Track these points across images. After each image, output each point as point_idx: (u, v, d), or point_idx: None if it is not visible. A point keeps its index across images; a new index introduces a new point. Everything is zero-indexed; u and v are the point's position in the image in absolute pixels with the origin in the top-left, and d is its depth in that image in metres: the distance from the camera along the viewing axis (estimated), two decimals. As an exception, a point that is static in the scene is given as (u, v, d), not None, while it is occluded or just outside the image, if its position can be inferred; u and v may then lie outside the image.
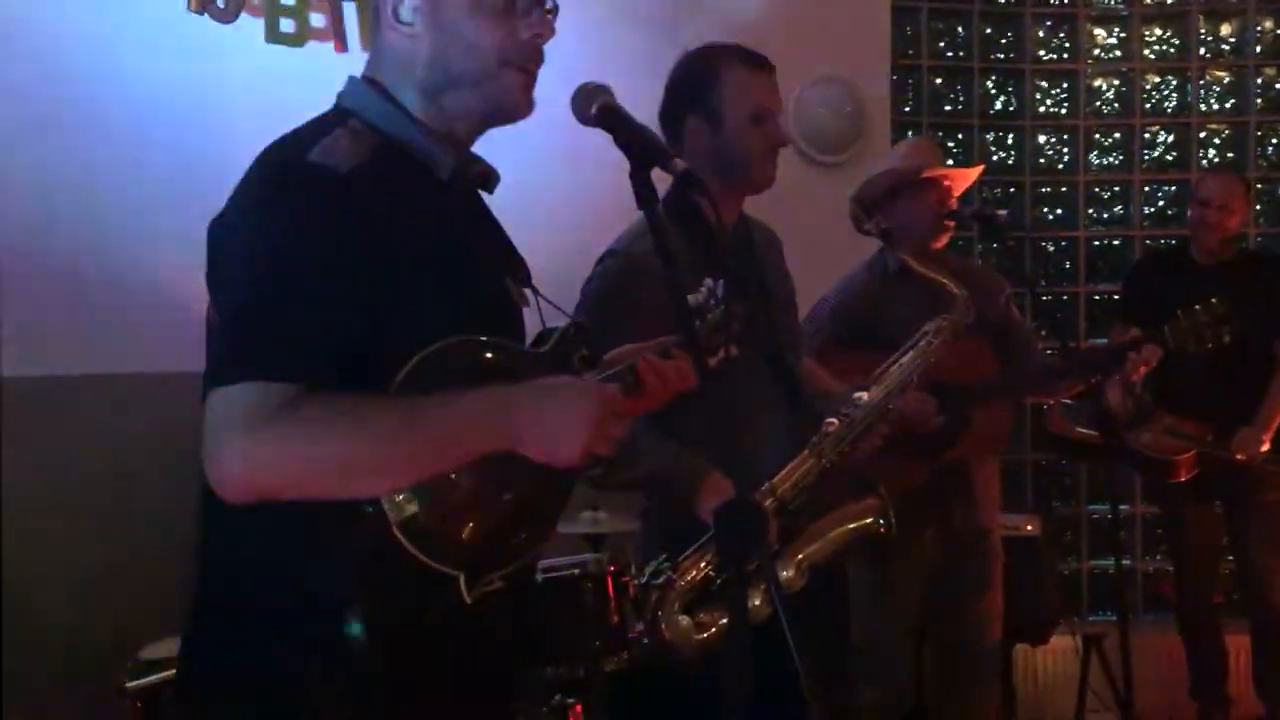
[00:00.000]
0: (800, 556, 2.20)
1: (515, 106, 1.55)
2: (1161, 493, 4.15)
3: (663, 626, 2.14)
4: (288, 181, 1.42)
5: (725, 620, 2.08)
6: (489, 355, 1.47)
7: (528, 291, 1.64)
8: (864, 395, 2.39)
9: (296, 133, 1.50)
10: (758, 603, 1.98)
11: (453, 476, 1.39)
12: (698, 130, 2.36)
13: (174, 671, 1.57)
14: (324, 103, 1.58)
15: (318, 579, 1.39)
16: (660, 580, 2.17)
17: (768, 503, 2.19)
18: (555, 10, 1.58)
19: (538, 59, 1.56)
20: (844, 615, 3.25)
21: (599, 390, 1.47)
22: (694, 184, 1.48)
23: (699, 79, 2.38)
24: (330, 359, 1.36)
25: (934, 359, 2.53)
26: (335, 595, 1.37)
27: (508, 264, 1.65)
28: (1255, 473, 3.83)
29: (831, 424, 2.32)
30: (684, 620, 2.14)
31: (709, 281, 1.72)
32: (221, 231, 1.46)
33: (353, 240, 1.39)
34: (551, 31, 1.56)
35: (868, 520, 2.28)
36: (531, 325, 1.65)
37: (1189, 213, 4.08)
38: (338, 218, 1.39)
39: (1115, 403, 3.76)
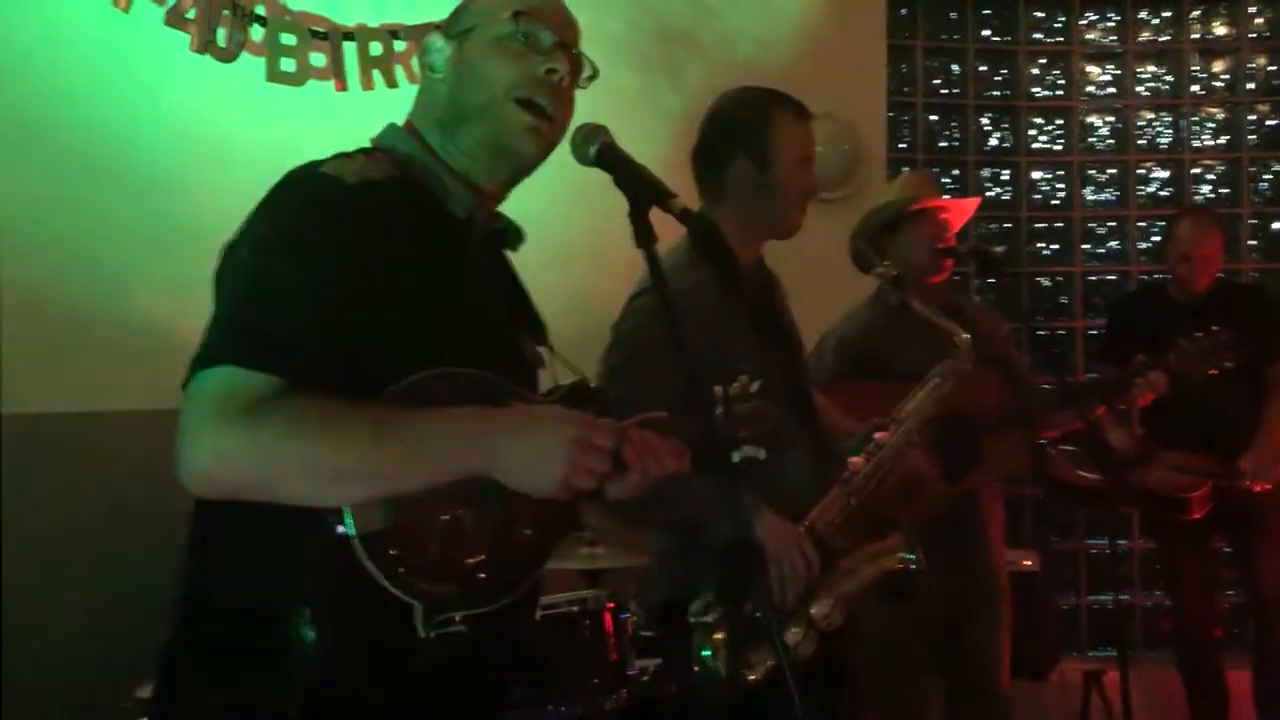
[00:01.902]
0: (834, 593, 2.24)
1: (518, 143, 1.55)
2: (1160, 528, 4.12)
3: (718, 664, 2.13)
4: (294, 188, 1.44)
5: (774, 659, 2.13)
6: (485, 390, 1.44)
7: (544, 352, 1.62)
8: (884, 435, 2.42)
9: (319, 159, 1.51)
10: (798, 641, 2.13)
11: (432, 502, 1.35)
12: (746, 171, 2.40)
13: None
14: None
15: (279, 587, 1.35)
16: (710, 618, 2.15)
17: (808, 541, 2.22)
18: (595, 76, 1.62)
19: (555, 98, 1.56)
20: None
21: (582, 420, 1.42)
22: (697, 223, 1.48)
23: (751, 121, 2.41)
24: (314, 359, 1.33)
25: (944, 402, 2.56)
26: (293, 600, 1.34)
27: (525, 320, 1.64)
28: (1265, 501, 3.81)
29: (857, 463, 2.36)
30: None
31: (744, 378, 1.72)
32: (231, 246, 1.46)
33: (351, 247, 1.38)
34: (571, 71, 1.57)
35: (897, 556, 2.31)
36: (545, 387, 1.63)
37: (1169, 257, 4.04)
38: (338, 222, 1.39)
39: (1120, 442, 3.75)
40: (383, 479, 1.32)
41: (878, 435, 2.42)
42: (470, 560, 1.41)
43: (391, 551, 1.32)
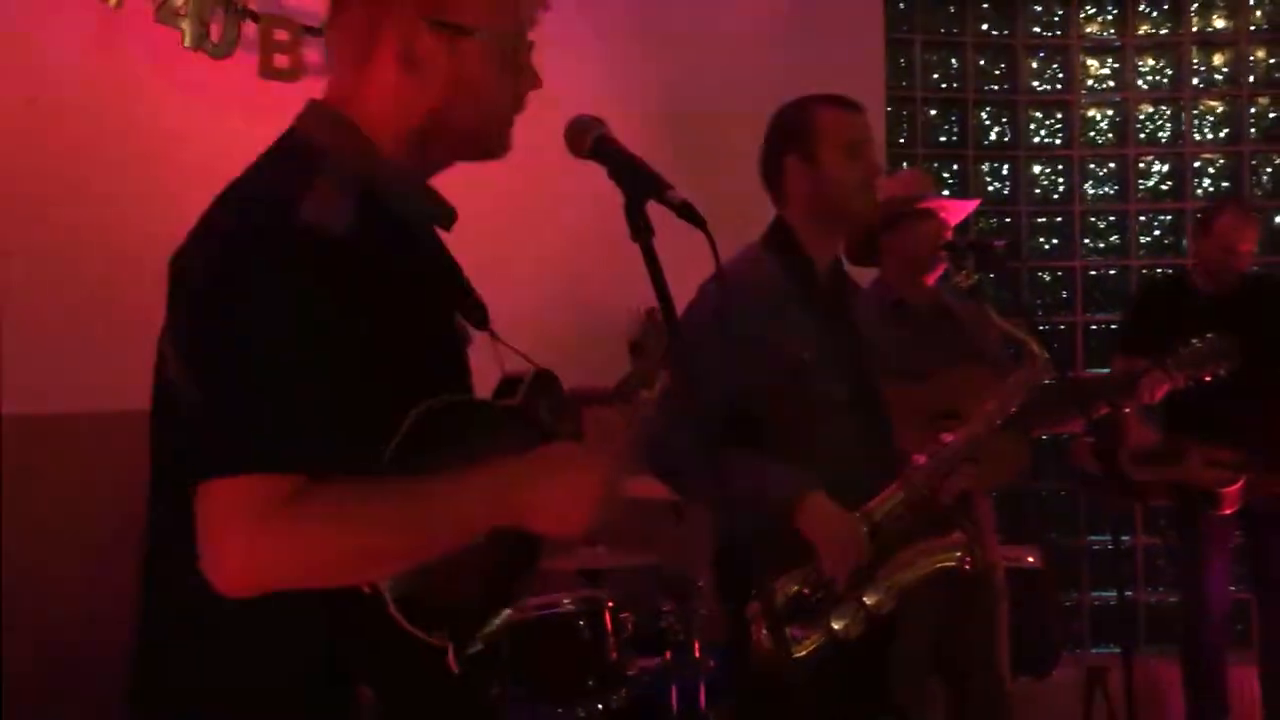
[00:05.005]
0: (889, 582, 2.34)
1: (502, 152, 1.53)
2: (1185, 523, 4.00)
3: (761, 639, 2.23)
4: (283, 247, 1.32)
5: (821, 638, 2.28)
6: (469, 416, 1.45)
7: (487, 336, 1.59)
8: (950, 436, 2.49)
9: (267, 177, 1.42)
10: (846, 623, 2.26)
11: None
12: (796, 168, 2.48)
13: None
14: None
15: (322, 663, 1.36)
16: (760, 593, 2.26)
17: (864, 528, 2.33)
18: None
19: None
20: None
21: (605, 463, 1.42)
22: (693, 217, 1.45)
23: (794, 121, 2.51)
24: (330, 445, 1.30)
25: (1014, 409, 2.58)
26: (342, 676, 1.36)
27: (459, 300, 1.57)
28: None
29: (920, 460, 2.44)
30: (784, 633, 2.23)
31: (645, 308, 1.81)
32: (192, 280, 1.39)
33: (349, 311, 1.32)
34: (539, 83, 1.54)
35: (955, 554, 2.41)
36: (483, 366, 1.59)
37: (1202, 245, 3.98)
38: (340, 286, 1.32)
39: (1147, 438, 3.72)
40: (421, 552, 1.33)
41: (944, 437, 2.49)
42: (479, 586, 1.43)
43: (419, 604, 1.34)
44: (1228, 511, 3.77)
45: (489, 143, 1.51)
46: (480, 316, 1.56)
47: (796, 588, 2.30)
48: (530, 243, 3.61)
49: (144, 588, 1.43)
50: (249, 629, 1.35)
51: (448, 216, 1.54)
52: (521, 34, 1.49)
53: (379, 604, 1.32)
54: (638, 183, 1.46)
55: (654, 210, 1.46)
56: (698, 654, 3.16)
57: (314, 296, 1.31)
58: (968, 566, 2.41)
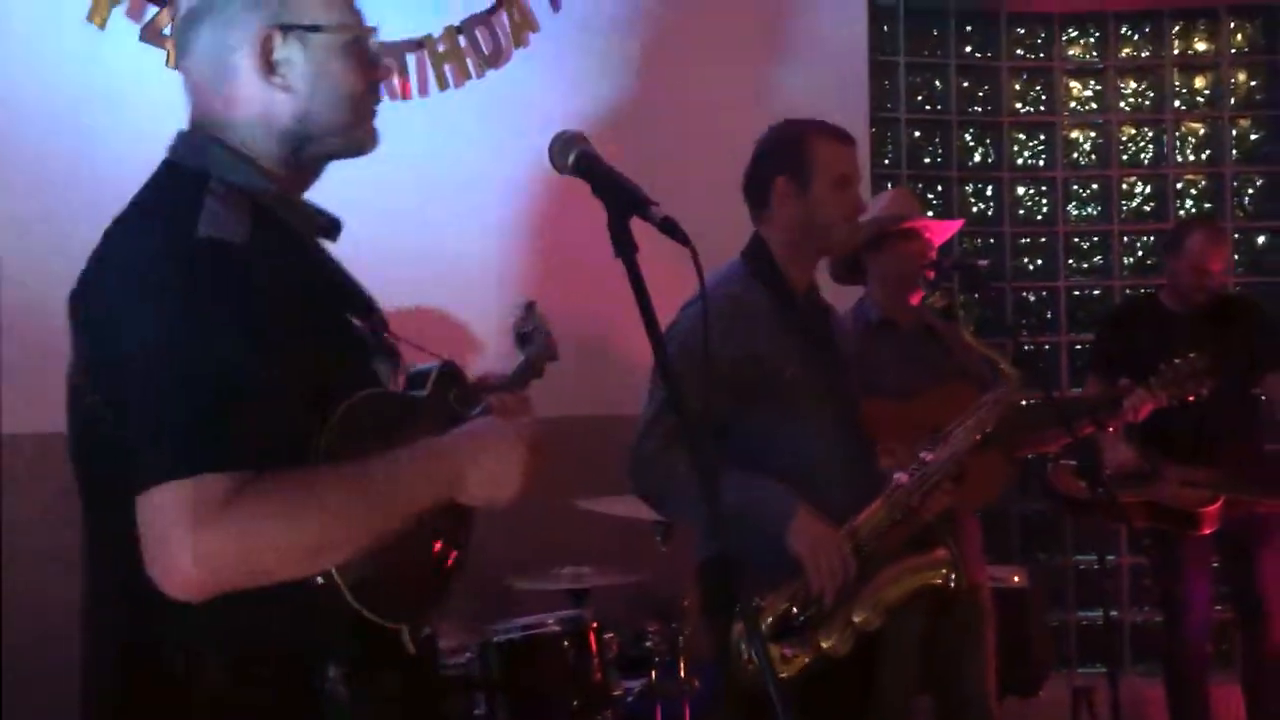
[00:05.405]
0: (875, 599, 2.35)
1: (372, 145, 1.56)
2: (1162, 543, 3.96)
3: (749, 657, 2.23)
4: (189, 260, 1.36)
5: (810, 655, 2.29)
6: (388, 407, 1.49)
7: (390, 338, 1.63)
8: (930, 455, 2.49)
9: (157, 204, 1.46)
10: (834, 640, 2.27)
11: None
12: (786, 190, 2.50)
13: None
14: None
15: (290, 654, 1.38)
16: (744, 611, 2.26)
17: (848, 544, 2.34)
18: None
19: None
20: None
21: (528, 433, 1.50)
22: (675, 232, 1.45)
23: (790, 145, 2.53)
24: (269, 439, 1.32)
25: (990, 426, 2.59)
26: (313, 665, 1.37)
27: (354, 304, 1.58)
28: (1271, 516, 3.80)
29: (902, 478, 2.44)
30: (773, 651, 2.26)
31: (520, 299, 1.85)
32: (104, 308, 1.40)
33: (264, 312, 1.36)
34: (390, 73, 1.58)
35: (939, 571, 2.42)
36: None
37: (1177, 265, 3.98)
38: (248, 292, 1.36)
39: (1124, 458, 3.72)
40: (366, 536, 1.35)
41: (924, 455, 2.49)
42: (427, 568, 1.49)
43: (374, 589, 1.37)
44: (1207, 531, 3.78)
45: (357, 135, 1.54)
46: (379, 319, 1.59)
47: (785, 605, 2.31)
48: (518, 260, 3.63)
49: (91, 611, 1.46)
50: (210, 630, 1.36)
51: (333, 227, 1.58)
52: (363, 25, 1.54)
53: (335, 594, 1.34)
54: (621, 199, 1.46)
55: (638, 227, 1.46)
56: (682, 674, 3.15)
57: (228, 303, 1.34)
58: (951, 583, 2.42)
